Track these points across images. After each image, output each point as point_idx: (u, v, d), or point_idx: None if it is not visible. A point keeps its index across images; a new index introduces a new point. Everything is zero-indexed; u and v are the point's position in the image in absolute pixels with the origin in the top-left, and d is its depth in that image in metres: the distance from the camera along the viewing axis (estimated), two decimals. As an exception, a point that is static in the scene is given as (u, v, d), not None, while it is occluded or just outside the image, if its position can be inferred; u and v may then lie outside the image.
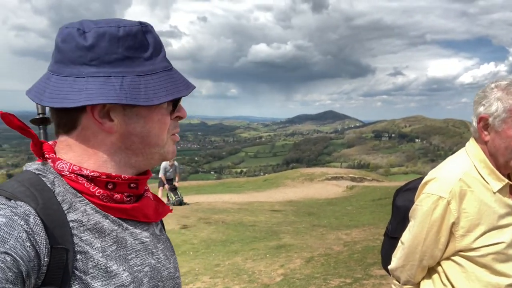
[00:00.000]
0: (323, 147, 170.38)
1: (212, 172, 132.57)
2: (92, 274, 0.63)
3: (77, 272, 0.62)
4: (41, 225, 0.60)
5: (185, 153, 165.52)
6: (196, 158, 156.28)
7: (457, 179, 1.31)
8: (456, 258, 1.34)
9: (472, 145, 1.40)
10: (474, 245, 1.29)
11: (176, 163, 12.58)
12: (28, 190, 0.63)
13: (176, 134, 0.80)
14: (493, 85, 1.33)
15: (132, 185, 0.74)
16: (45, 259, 0.59)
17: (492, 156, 1.34)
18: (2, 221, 0.56)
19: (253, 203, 12.80)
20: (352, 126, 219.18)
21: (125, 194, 0.73)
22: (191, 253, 6.42)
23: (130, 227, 0.73)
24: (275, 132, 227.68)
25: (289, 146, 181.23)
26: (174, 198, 11.89)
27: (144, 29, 0.72)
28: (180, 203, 11.92)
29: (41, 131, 0.82)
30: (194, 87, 0.77)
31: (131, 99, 0.67)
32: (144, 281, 0.71)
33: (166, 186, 11.88)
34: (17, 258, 0.54)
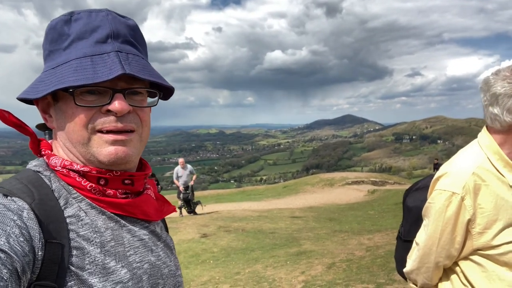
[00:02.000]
0: (343, 152, 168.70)
1: (232, 181, 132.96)
2: (89, 270, 0.63)
3: (72, 268, 0.61)
4: (35, 219, 0.60)
5: (205, 162, 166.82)
6: (215, 168, 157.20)
7: (470, 173, 1.24)
8: (474, 257, 1.27)
9: (484, 136, 1.31)
10: (493, 243, 1.22)
11: (189, 165, 11.82)
12: (26, 187, 0.64)
13: (115, 135, 0.68)
14: None
15: (126, 181, 0.72)
16: (39, 253, 0.58)
17: None
18: None
19: (273, 210, 12.72)
20: (372, 129, 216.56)
21: (120, 190, 0.72)
22: (211, 261, 6.40)
23: (128, 224, 0.72)
24: (294, 138, 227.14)
25: (308, 152, 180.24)
26: (186, 209, 11.59)
27: (75, 17, 0.67)
28: (195, 213, 11.82)
29: (47, 136, 0.83)
30: (118, 73, 0.62)
31: (23, 93, 0.68)
32: (144, 278, 0.70)
33: (181, 188, 11.29)
34: (11, 254, 0.53)
